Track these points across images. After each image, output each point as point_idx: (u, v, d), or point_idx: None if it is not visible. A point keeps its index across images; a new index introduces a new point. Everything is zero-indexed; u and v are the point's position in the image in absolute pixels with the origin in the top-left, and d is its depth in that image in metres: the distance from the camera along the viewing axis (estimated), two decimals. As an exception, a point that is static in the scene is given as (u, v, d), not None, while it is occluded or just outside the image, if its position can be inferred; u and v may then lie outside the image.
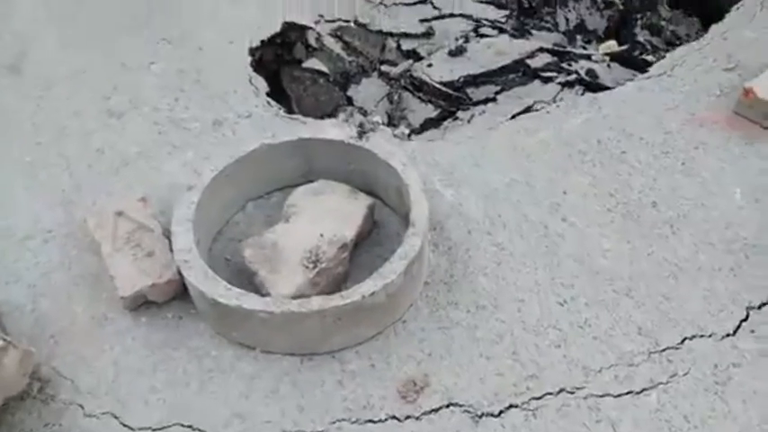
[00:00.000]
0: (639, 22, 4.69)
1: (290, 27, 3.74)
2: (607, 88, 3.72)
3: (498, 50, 3.86)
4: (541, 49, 3.83)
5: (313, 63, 3.74)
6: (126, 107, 3.19)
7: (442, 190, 2.74)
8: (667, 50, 4.39)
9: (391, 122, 3.67)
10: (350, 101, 3.72)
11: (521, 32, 4.24)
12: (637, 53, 4.06)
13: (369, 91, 3.76)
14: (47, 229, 2.67)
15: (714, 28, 3.23)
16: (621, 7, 4.82)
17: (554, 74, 3.73)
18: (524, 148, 2.86)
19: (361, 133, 2.81)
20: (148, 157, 2.94)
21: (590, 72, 3.74)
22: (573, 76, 3.70)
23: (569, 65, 3.79)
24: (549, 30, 4.45)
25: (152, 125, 3.11)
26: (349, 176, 2.77)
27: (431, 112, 3.68)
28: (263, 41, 3.46)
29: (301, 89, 3.67)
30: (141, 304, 2.43)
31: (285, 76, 3.70)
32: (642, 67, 3.93)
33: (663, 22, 4.72)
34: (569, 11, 4.63)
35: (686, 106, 2.87)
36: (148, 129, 3.08)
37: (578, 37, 4.45)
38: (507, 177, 2.76)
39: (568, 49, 3.89)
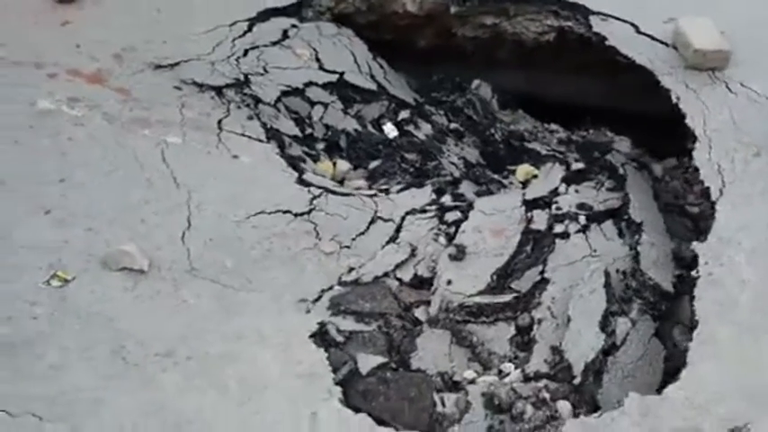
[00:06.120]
0: (498, 136, 4.79)
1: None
2: (615, 210, 3.67)
3: (492, 230, 3.52)
4: (523, 205, 3.62)
5: (366, 361, 2.87)
6: None
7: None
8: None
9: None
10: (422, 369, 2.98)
11: (463, 199, 3.90)
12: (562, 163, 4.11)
13: (433, 348, 3.05)
14: None
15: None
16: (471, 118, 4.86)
17: (562, 226, 3.55)
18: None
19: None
20: None
21: (582, 206, 3.66)
22: (582, 219, 3.57)
23: (559, 209, 3.65)
24: (453, 184, 4.20)
25: None
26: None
27: (507, 330, 3.17)
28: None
29: (382, 400, 2.77)
30: None
31: (352, 394, 2.74)
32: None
33: (512, 127, 4.92)
34: (448, 155, 4.48)
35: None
36: None
37: (484, 175, 4.34)
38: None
39: (536, 195, 3.74)
